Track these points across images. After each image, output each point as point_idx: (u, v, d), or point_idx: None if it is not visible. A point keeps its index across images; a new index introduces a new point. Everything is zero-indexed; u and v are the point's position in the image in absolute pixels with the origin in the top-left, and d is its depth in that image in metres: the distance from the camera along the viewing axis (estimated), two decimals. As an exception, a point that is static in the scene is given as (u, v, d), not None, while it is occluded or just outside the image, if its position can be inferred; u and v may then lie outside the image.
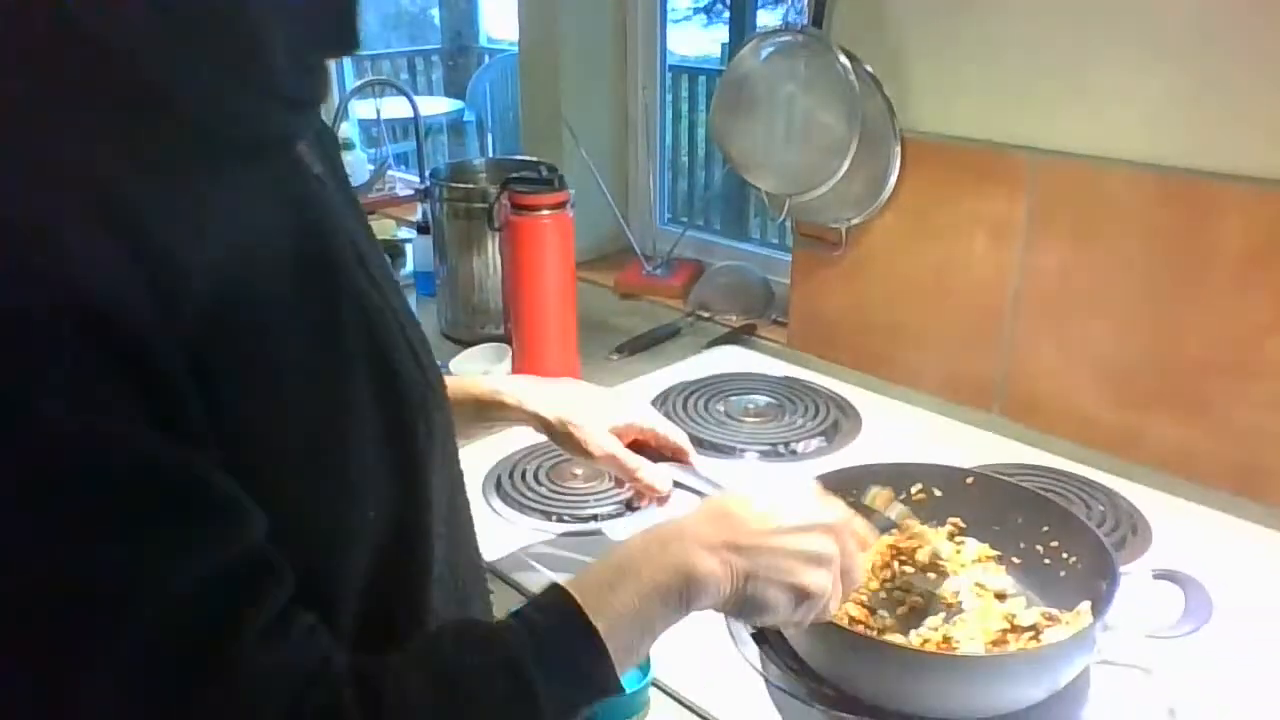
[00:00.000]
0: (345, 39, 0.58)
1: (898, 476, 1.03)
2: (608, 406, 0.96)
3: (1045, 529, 0.96)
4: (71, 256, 0.42)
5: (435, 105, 4.40)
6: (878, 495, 0.99)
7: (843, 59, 1.38)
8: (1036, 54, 1.25)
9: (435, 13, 5.44)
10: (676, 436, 0.96)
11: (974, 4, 1.29)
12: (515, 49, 2.15)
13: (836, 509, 0.74)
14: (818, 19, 1.43)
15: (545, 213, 1.40)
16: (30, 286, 0.42)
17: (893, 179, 1.42)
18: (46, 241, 0.42)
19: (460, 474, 0.74)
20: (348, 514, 0.57)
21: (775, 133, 1.49)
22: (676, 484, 0.95)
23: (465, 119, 4.50)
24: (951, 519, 1.01)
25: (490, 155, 2.22)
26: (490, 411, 0.94)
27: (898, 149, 1.40)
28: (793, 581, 0.68)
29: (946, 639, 0.88)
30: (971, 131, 1.34)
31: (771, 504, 0.70)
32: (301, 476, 0.54)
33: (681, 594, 0.65)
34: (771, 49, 1.48)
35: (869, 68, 1.40)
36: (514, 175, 1.44)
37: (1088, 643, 0.82)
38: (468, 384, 0.95)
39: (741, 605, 0.68)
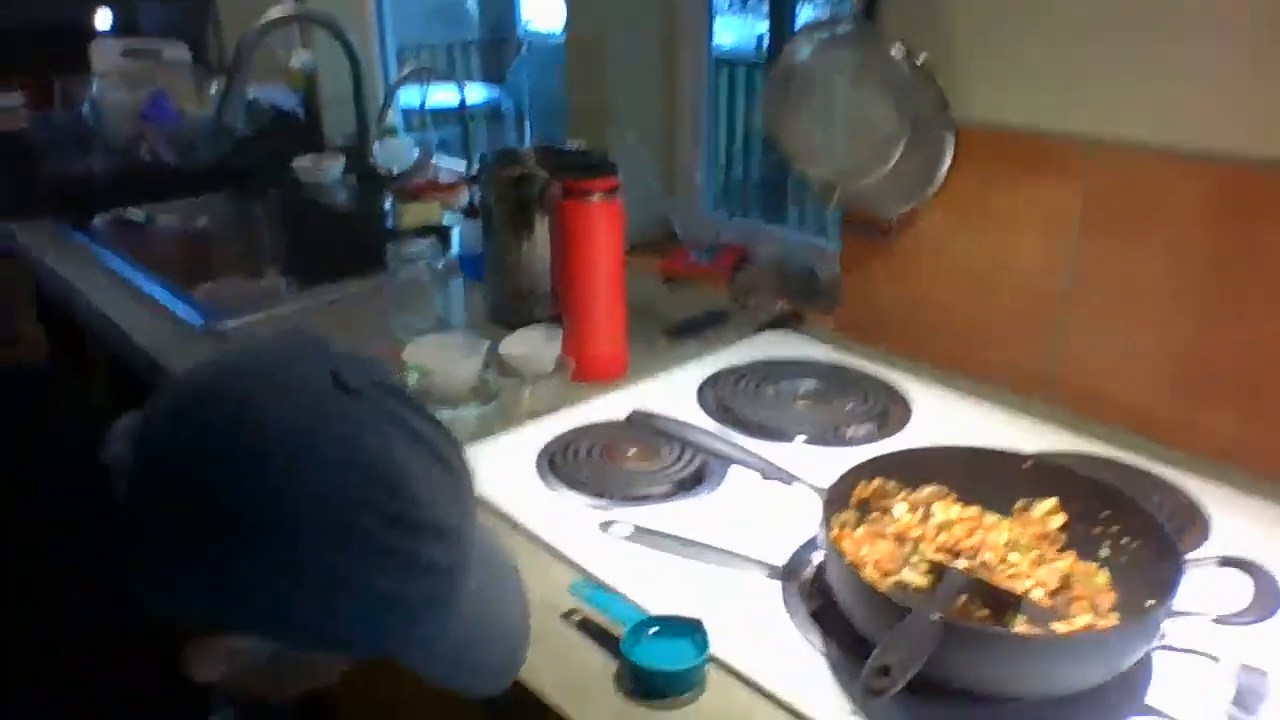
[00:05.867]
0: None
1: (954, 460, 1.03)
2: None
3: (1105, 514, 0.96)
4: None
5: (473, 93, 4.42)
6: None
7: (895, 49, 1.38)
8: (1092, 40, 1.24)
9: (472, 4, 5.49)
10: None
11: (1032, -9, 1.29)
12: (555, 36, 2.16)
13: None
14: (868, 9, 1.43)
15: (596, 196, 1.41)
16: None
17: (944, 168, 1.41)
18: None
19: None
20: None
21: (826, 123, 1.48)
22: (736, 461, 0.94)
23: (503, 107, 4.53)
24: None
25: (534, 142, 2.23)
26: None
27: (950, 138, 1.40)
28: None
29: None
30: (1025, 121, 1.33)
31: None
32: None
33: None
34: (822, 39, 1.47)
35: (921, 57, 1.39)
36: (565, 160, 1.45)
37: (1151, 627, 0.82)
38: None
39: None
